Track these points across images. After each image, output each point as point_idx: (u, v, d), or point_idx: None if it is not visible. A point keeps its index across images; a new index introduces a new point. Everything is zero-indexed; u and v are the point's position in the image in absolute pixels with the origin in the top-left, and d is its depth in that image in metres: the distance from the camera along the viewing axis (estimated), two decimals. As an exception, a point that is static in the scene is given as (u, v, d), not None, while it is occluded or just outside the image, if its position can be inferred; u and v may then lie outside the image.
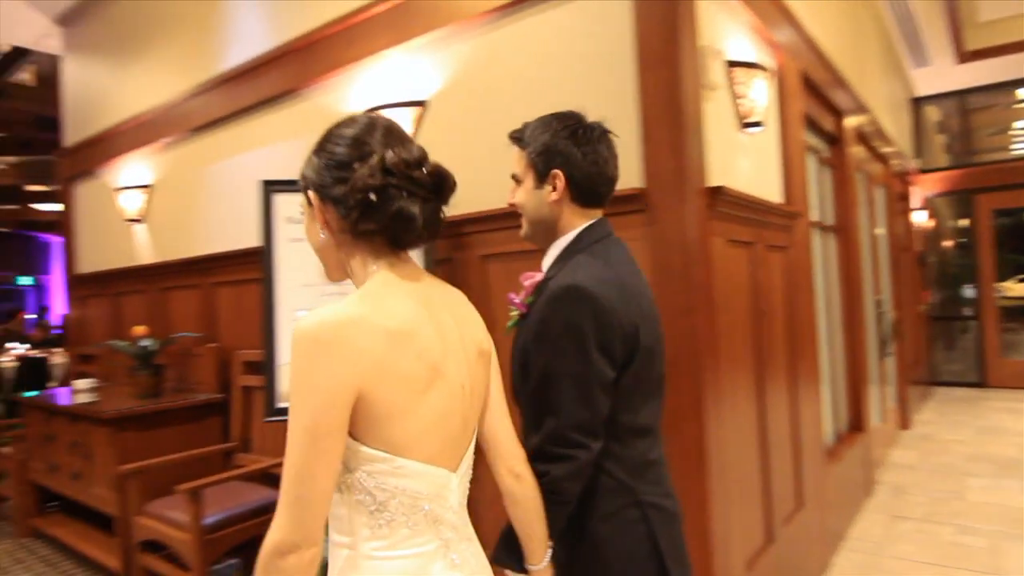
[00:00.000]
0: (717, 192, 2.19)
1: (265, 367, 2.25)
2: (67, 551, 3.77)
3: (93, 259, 5.00)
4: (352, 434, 0.91)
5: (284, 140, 3.34)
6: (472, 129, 2.60)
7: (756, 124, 2.63)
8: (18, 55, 8.07)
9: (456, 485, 1.01)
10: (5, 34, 5.66)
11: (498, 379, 1.16)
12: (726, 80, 2.50)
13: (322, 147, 1.02)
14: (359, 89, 2.94)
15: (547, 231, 1.34)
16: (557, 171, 1.28)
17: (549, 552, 1.19)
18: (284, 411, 2.23)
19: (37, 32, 5.40)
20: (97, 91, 4.91)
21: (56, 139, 9.36)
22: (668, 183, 2.10)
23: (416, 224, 0.96)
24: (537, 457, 1.19)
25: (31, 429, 4.06)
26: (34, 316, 13.81)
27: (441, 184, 1.01)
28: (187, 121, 3.92)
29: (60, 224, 16.18)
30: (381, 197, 0.94)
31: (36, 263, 17.13)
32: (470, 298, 1.16)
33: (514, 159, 1.37)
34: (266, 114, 3.43)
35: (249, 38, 3.50)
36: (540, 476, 1.17)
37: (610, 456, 1.23)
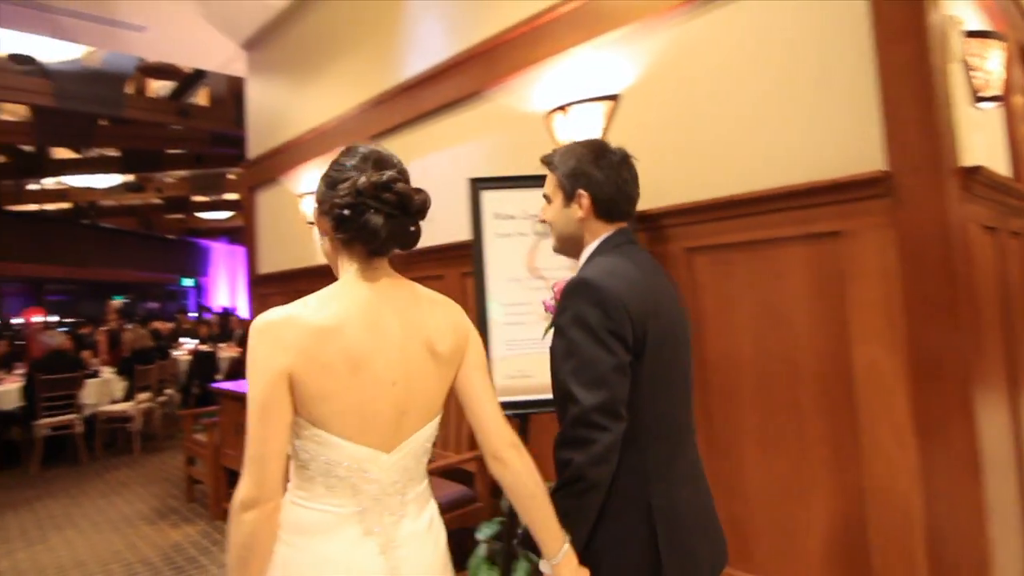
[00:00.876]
0: (974, 173, 1.93)
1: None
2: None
3: (274, 260, 5.27)
4: (294, 408, 1.07)
5: (465, 142, 3.35)
6: (670, 121, 2.46)
7: (992, 99, 2.31)
8: (196, 78, 8.79)
9: (388, 464, 1.13)
10: (199, 59, 6.12)
11: (480, 367, 1.25)
12: (961, 52, 2.22)
13: (326, 171, 1.19)
14: (545, 87, 2.87)
15: (575, 244, 1.44)
16: (582, 191, 1.38)
17: (565, 546, 1.19)
18: (506, 405, 2.19)
19: (225, 57, 5.80)
20: (278, 107, 5.19)
21: (225, 153, 10.21)
22: (919, 165, 1.86)
23: (379, 235, 1.11)
24: (560, 444, 1.22)
25: (224, 417, 4.27)
26: (195, 314, 15.05)
27: (406, 203, 1.13)
28: (365, 129, 4.03)
29: (220, 231, 17.40)
30: (353, 212, 1.11)
31: (197, 266, 18.68)
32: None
33: (546, 180, 1.48)
34: (447, 118, 3.45)
35: (430, 48, 3.53)
36: (564, 465, 1.20)
37: (625, 459, 1.23)
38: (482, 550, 2.54)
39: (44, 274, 13.76)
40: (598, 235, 1.40)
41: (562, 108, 2.65)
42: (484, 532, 2.54)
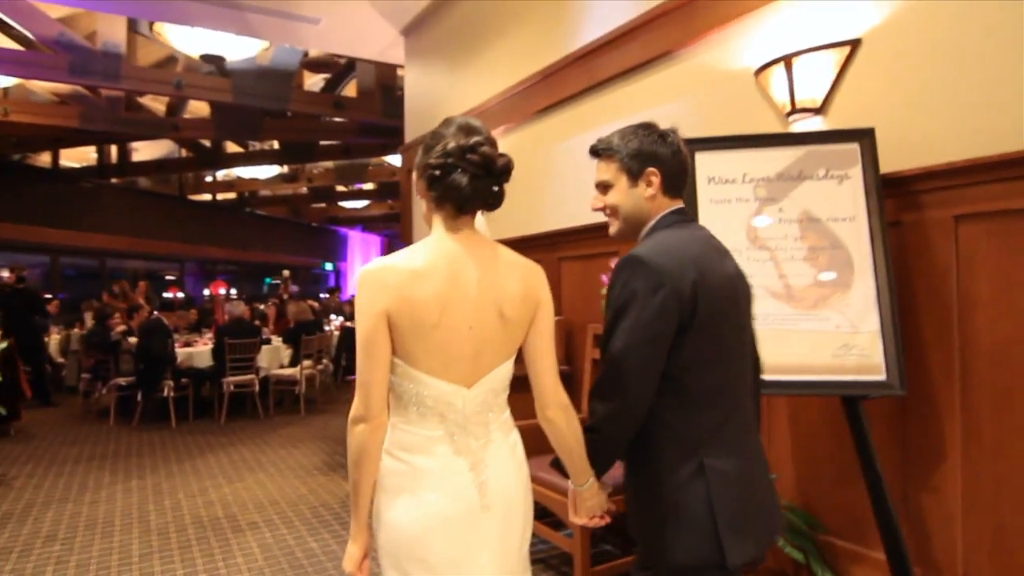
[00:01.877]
0: None
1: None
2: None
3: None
4: (392, 347, 1.22)
5: (648, 109, 3.09)
6: (934, 63, 2.00)
7: None
8: (347, 72, 9.09)
9: (471, 396, 1.26)
10: (361, 48, 6.25)
11: (544, 334, 1.33)
12: None
13: (424, 141, 1.30)
14: (756, 40, 2.55)
15: (641, 225, 1.41)
16: (653, 169, 1.37)
17: (591, 480, 1.37)
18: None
19: (384, 44, 5.87)
20: (435, 90, 5.17)
21: (371, 144, 10.55)
22: None
23: (463, 193, 1.22)
24: (592, 391, 1.34)
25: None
26: (326, 295, 15.85)
27: (489, 165, 1.23)
28: (528, 105, 3.88)
29: (357, 219, 18.19)
30: (442, 172, 1.23)
31: (337, 252, 19.70)
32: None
33: (598, 170, 1.46)
34: (627, 85, 3.21)
35: (609, 13, 3.29)
36: (592, 413, 1.33)
37: (676, 419, 1.28)
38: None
39: (215, 256, 15.03)
40: (662, 211, 1.40)
41: (780, 61, 2.32)
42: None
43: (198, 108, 10.18)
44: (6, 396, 6.02)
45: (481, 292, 1.24)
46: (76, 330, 8.58)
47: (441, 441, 1.25)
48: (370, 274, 1.22)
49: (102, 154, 12.64)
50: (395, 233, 21.78)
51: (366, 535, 1.28)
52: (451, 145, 1.23)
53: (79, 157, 13.10)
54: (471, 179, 1.22)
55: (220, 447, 5.40)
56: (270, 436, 5.79)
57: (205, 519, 3.63)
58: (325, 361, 7.91)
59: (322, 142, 11.12)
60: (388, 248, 22.09)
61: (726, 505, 1.24)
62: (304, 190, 15.59)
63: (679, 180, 1.40)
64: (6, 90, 8.39)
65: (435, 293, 1.20)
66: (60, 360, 8.82)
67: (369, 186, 15.20)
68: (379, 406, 1.22)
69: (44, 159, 12.58)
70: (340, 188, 15.62)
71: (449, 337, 1.22)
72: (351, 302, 13.24)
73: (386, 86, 8.64)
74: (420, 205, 1.34)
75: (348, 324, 9.85)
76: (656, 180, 1.37)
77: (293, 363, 6.88)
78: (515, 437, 1.37)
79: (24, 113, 8.27)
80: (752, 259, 2.00)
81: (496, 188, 1.26)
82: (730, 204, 2.07)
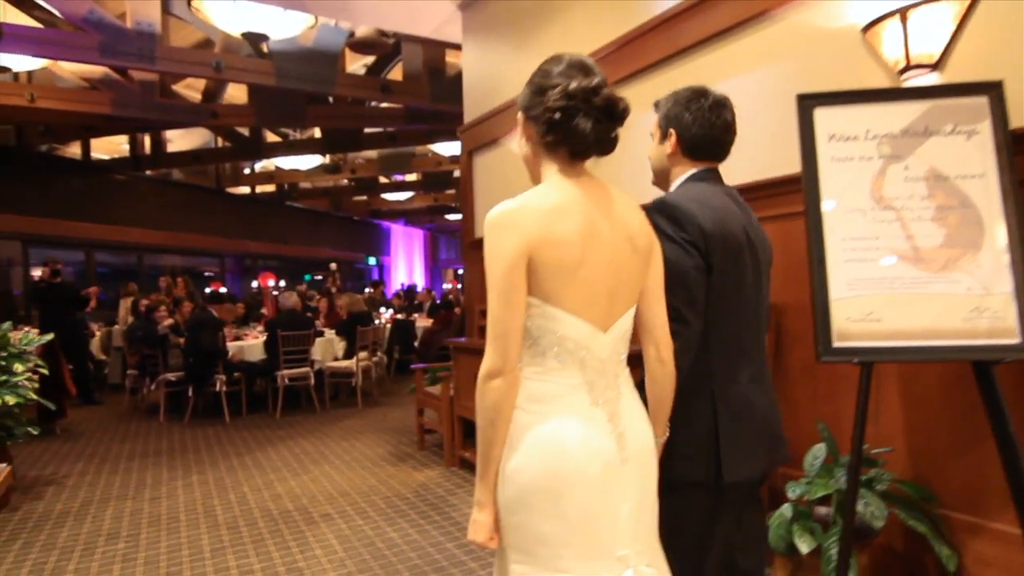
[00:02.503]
0: None
1: (816, 304, 2.03)
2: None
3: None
4: (528, 288, 1.24)
5: (738, 74, 3.15)
6: None
7: None
8: (393, 54, 9.32)
9: (606, 342, 1.30)
10: (415, 24, 6.42)
11: (655, 278, 1.39)
12: None
13: (531, 79, 1.34)
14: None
15: (665, 179, 1.70)
16: (672, 130, 1.64)
17: (666, 434, 1.47)
18: (843, 351, 2.00)
19: (440, 20, 6.04)
20: (496, 67, 5.31)
21: (417, 130, 10.76)
22: None
23: (587, 137, 1.26)
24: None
25: (460, 371, 4.53)
26: (370, 289, 16.24)
27: (612, 108, 1.27)
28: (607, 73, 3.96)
29: (399, 213, 18.47)
30: (564, 115, 1.26)
31: (380, 246, 20.16)
32: None
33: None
34: (715, 50, 3.27)
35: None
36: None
37: (697, 356, 1.48)
38: (788, 510, 2.38)
39: (255, 250, 15.57)
40: (684, 171, 1.64)
41: (895, 15, 2.37)
42: (795, 491, 2.38)
43: (235, 96, 10.54)
44: (51, 393, 6.42)
45: (612, 228, 1.29)
46: (117, 326, 9.08)
47: (580, 390, 1.27)
48: (502, 216, 1.24)
49: (135, 145, 13.08)
50: (438, 226, 22.12)
51: (494, 502, 1.30)
52: (573, 86, 1.24)
53: (111, 148, 13.61)
54: (595, 123, 1.25)
55: (279, 440, 5.68)
56: (329, 429, 6.06)
57: (275, 512, 3.83)
58: (380, 354, 8.19)
59: (368, 129, 11.36)
60: (431, 243, 22.46)
61: (728, 427, 1.49)
62: (345, 182, 15.98)
63: (699, 145, 1.62)
64: (30, 74, 8.58)
65: (577, 228, 1.24)
66: (102, 357, 9.35)
67: (412, 177, 15.47)
68: (516, 358, 1.24)
69: (74, 150, 13.16)
70: (383, 180, 15.94)
71: (593, 274, 1.26)
72: (398, 296, 13.63)
73: (434, 69, 8.78)
74: (521, 148, 1.37)
75: (398, 317, 10.17)
76: (673, 141, 1.63)
77: (348, 355, 7.17)
78: (638, 393, 1.41)
79: (51, 99, 8.30)
80: (877, 220, 2.04)
81: (614, 134, 1.30)
82: (852, 162, 2.10)
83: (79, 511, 4.01)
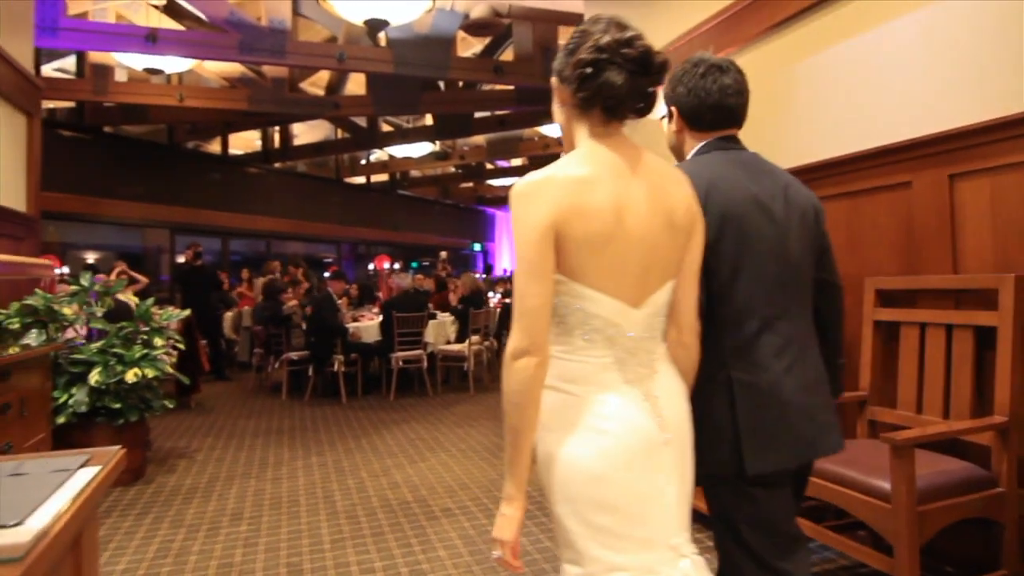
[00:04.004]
0: None
1: None
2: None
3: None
4: (556, 264, 1.16)
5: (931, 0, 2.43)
6: None
7: None
8: (506, 36, 8.93)
9: (639, 318, 1.20)
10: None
11: (693, 256, 1.27)
12: None
13: (566, 42, 1.25)
14: None
15: (679, 156, 1.60)
16: (672, 107, 1.56)
17: None
18: None
19: (562, -13, 5.54)
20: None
21: (528, 112, 10.37)
22: None
23: (620, 91, 1.16)
24: None
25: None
26: (482, 274, 16.12)
27: (647, 61, 1.16)
28: (751, 25, 3.33)
29: (502, 199, 18.28)
30: (595, 69, 1.16)
31: (484, 232, 20.05)
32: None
33: None
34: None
35: None
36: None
37: (705, 337, 1.34)
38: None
39: (368, 237, 15.86)
40: (693, 147, 1.54)
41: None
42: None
43: (354, 90, 10.61)
44: (187, 368, 6.57)
45: (650, 198, 1.20)
46: (247, 307, 9.30)
47: (611, 368, 1.19)
48: (529, 187, 1.15)
49: (266, 140, 13.71)
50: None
51: (525, 495, 1.18)
52: (604, 40, 1.16)
53: (245, 144, 14.31)
54: (628, 76, 1.15)
55: (394, 424, 5.46)
56: (442, 414, 5.80)
57: (394, 503, 3.54)
58: (491, 339, 7.89)
59: (478, 113, 11.15)
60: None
61: (749, 416, 1.34)
62: (452, 169, 15.93)
63: (700, 115, 1.51)
64: (180, 76, 9.14)
65: (609, 200, 1.15)
66: (233, 336, 9.63)
67: (517, 162, 15.18)
68: (545, 336, 1.14)
69: (214, 147, 13.89)
70: (488, 166, 15.77)
71: (624, 248, 1.16)
72: (502, 281, 13.37)
73: (546, 47, 8.38)
74: (557, 114, 1.30)
75: (506, 301, 9.86)
76: (675, 117, 1.55)
77: (459, 339, 6.87)
78: (676, 372, 1.28)
79: (197, 98, 9.04)
80: None
81: (651, 89, 1.20)
82: None
83: (206, 487, 3.92)
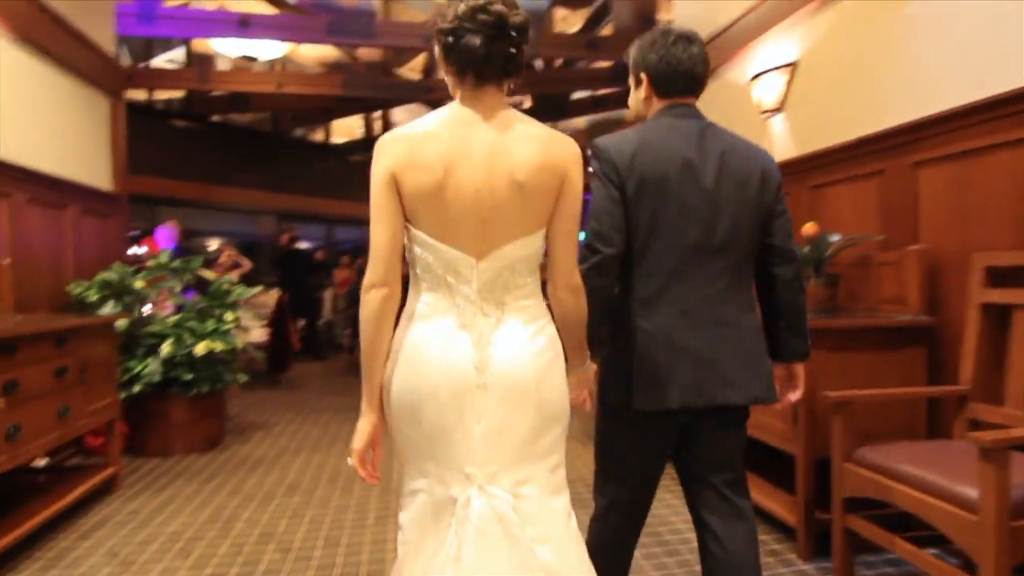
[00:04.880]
0: None
1: None
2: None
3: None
4: (404, 213, 1.33)
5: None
6: None
7: None
8: (603, 13, 8.66)
9: (482, 268, 1.31)
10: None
11: (565, 213, 1.35)
12: None
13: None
14: None
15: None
16: (642, 74, 1.65)
17: (585, 365, 1.54)
18: None
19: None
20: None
21: (624, 92, 10.06)
22: None
23: (476, 53, 1.26)
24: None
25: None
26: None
27: (503, 23, 1.25)
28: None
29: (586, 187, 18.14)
30: (455, 37, 1.28)
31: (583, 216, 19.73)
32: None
33: None
34: None
35: None
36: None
37: (622, 289, 1.59)
38: None
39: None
40: (656, 110, 1.64)
41: None
42: None
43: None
44: (277, 347, 6.91)
45: (491, 155, 1.28)
46: (344, 291, 9.71)
47: (447, 312, 1.32)
48: (381, 142, 1.31)
49: (368, 128, 14.21)
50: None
51: (376, 411, 1.37)
52: (461, 8, 1.26)
53: (347, 132, 14.90)
54: (485, 40, 1.25)
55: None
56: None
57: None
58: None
59: (574, 95, 10.92)
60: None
61: (642, 359, 1.54)
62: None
63: (667, 81, 1.61)
64: (279, 63, 9.56)
65: (439, 153, 1.27)
66: (331, 318, 10.09)
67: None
68: (392, 274, 1.29)
69: (318, 136, 14.57)
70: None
71: (454, 199, 1.28)
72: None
73: (647, 20, 8.03)
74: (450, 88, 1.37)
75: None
76: (645, 83, 1.64)
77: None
78: (541, 326, 1.37)
79: (295, 84, 9.45)
80: None
81: (513, 50, 1.29)
82: None
83: (273, 459, 4.09)
